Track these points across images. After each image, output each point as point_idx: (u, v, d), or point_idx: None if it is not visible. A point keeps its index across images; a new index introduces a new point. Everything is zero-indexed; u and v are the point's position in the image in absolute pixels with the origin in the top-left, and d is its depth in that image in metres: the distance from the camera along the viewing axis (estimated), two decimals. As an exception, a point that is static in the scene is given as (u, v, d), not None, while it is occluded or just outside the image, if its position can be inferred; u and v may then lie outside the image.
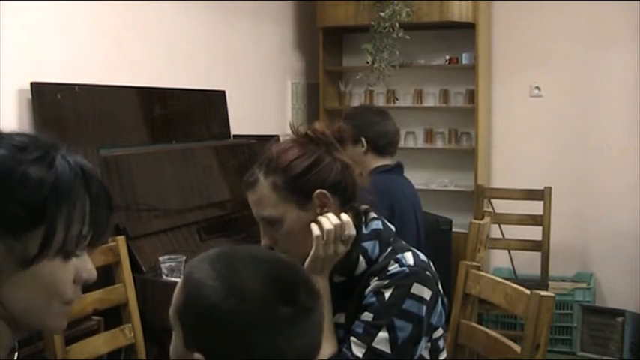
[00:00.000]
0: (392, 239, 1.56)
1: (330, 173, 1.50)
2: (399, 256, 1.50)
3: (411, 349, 1.46)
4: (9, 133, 0.90)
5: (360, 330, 1.45)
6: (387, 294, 1.45)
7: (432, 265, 1.54)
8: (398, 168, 2.85)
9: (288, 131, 1.55)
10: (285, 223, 1.48)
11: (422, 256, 1.53)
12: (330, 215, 1.48)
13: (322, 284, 1.49)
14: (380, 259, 1.51)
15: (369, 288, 1.48)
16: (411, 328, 1.44)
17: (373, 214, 1.57)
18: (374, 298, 1.47)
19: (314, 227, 1.47)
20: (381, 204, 1.57)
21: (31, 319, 0.89)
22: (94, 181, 0.91)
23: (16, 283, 0.86)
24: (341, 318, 1.51)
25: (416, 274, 1.47)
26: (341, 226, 1.48)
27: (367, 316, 1.46)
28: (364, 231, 1.53)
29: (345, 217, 1.50)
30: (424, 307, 1.45)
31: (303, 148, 1.50)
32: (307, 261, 1.48)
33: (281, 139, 1.58)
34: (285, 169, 1.47)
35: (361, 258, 1.51)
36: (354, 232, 1.51)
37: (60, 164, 0.87)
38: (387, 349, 1.43)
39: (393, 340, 1.43)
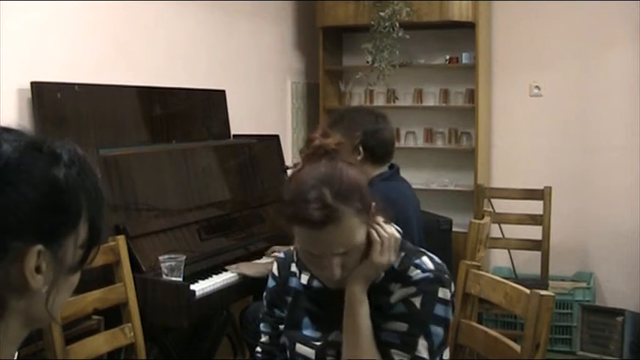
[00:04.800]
0: (400, 243, 1.56)
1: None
2: (417, 261, 1.51)
3: (443, 350, 1.50)
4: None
5: (397, 341, 1.46)
6: (418, 302, 1.46)
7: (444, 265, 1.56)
8: (396, 173, 2.65)
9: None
10: (361, 245, 1.45)
11: (436, 259, 1.55)
12: (385, 225, 1.49)
13: (363, 295, 1.47)
14: (395, 265, 1.51)
15: (395, 296, 1.48)
16: (443, 331, 1.47)
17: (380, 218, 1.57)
18: (403, 308, 1.47)
19: (374, 235, 1.46)
20: (385, 214, 1.57)
21: (54, 319, 0.90)
22: (93, 175, 0.89)
23: (59, 287, 0.87)
24: None
25: (439, 278, 1.49)
26: (394, 236, 1.49)
27: (401, 326, 1.46)
28: None
29: (389, 227, 1.51)
30: (449, 310, 1.49)
31: (348, 163, 1.48)
32: (360, 269, 1.46)
33: (296, 157, 1.55)
34: (362, 192, 1.43)
35: None
36: (399, 237, 1.52)
37: (72, 161, 0.85)
38: (426, 355, 1.45)
39: (430, 346, 1.45)
